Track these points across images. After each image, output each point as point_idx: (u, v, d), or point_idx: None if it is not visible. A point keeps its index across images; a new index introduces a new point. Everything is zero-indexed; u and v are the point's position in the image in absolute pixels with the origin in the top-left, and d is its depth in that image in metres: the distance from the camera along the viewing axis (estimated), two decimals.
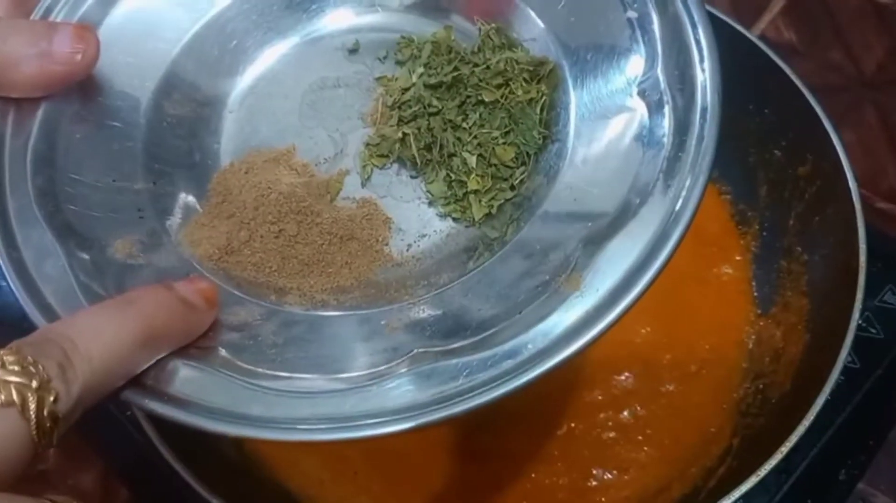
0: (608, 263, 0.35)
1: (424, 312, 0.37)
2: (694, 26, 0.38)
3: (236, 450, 0.52)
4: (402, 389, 0.34)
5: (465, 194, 0.41)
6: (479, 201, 0.40)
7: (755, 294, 0.58)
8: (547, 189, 0.39)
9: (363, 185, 0.42)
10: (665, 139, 0.37)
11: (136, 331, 0.31)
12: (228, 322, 0.37)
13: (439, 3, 0.45)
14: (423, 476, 0.52)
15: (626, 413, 0.53)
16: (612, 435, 0.52)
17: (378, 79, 0.44)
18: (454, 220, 0.41)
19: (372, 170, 0.42)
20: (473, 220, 0.40)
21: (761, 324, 0.56)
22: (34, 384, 0.28)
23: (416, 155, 0.41)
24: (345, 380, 0.35)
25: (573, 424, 0.53)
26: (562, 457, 0.52)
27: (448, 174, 0.41)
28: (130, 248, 0.38)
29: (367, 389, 0.34)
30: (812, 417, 0.43)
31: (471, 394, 0.33)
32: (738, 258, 0.59)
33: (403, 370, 0.34)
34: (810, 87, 0.55)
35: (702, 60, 0.37)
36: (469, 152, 0.41)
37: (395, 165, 0.42)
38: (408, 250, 0.40)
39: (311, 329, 0.37)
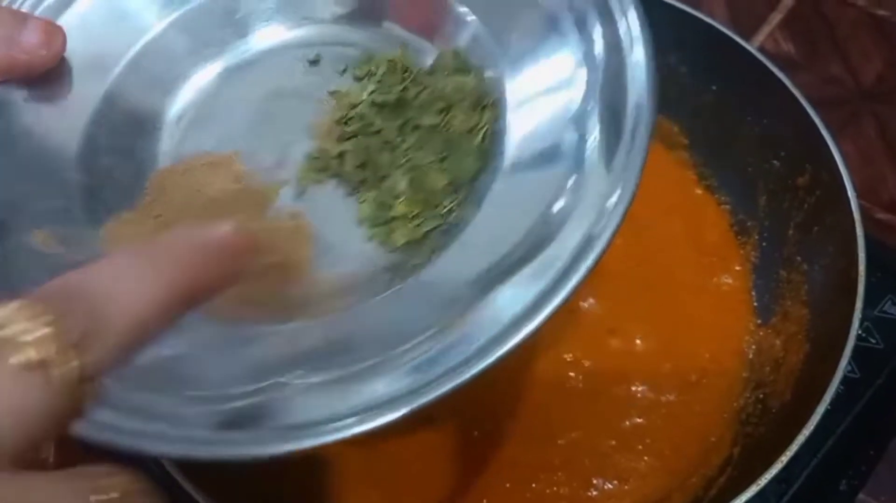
0: (501, 304, 0.33)
1: (311, 337, 0.36)
2: (632, 55, 0.37)
3: None
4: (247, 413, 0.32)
5: (393, 218, 0.39)
6: (405, 226, 0.39)
7: (755, 304, 0.57)
8: (473, 218, 0.38)
9: (297, 199, 0.41)
10: (593, 168, 0.36)
11: (170, 279, 0.28)
12: None
13: (371, 12, 0.45)
14: (423, 485, 0.52)
15: (626, 423, 0.53)
16: (612, 444, 0.52)
17: (332, 92, 0.43)
18: (380, 243, 0.39)
19: (309, 184, 0.41)
20: (396, 245, 0.39)
21: (761, 333, 0.56)
22: (56, 344, 0.24)
23: (351, 173, 0.41)
24: (195, 400, 0.33)
25: (574, 434, 0.52)
26: (562, 466, 0.51)
27: (378, 196, 0.40)
28: (49, 239, 0.38)
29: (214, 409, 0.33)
30: (812, 427, 0.43)
31: (300, 435, 0.31)
32: (737, 268, 0.59)
33: (259, 398, 0.33)
34: (809, 98, 0.55)
35: (637, 93, 0.36)
36: (401, 175, 0.40)
37: (334, 181, 0.41)
38: (327, 270, 0.39)
39: (194, 341, 0.36)
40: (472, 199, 0.39)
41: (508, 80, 0.40)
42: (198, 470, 0.45)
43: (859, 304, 0.47)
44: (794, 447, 0.42)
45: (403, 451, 0.52)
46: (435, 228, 0.39)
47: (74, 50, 0.42)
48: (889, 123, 0.74)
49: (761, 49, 0.61)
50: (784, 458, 0.42)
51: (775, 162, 0.58)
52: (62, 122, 0.41)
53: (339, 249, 0.39)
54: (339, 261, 0.39)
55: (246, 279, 0.35)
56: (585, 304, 0.57)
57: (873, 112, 0.74)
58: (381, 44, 0.44)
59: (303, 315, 0.37)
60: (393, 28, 0.45)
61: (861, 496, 0.55)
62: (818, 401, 0.44)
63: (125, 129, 0.43)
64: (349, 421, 0.31)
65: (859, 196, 0.51)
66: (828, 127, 0.53)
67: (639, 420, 0.53)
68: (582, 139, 0.37)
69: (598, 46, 0.38)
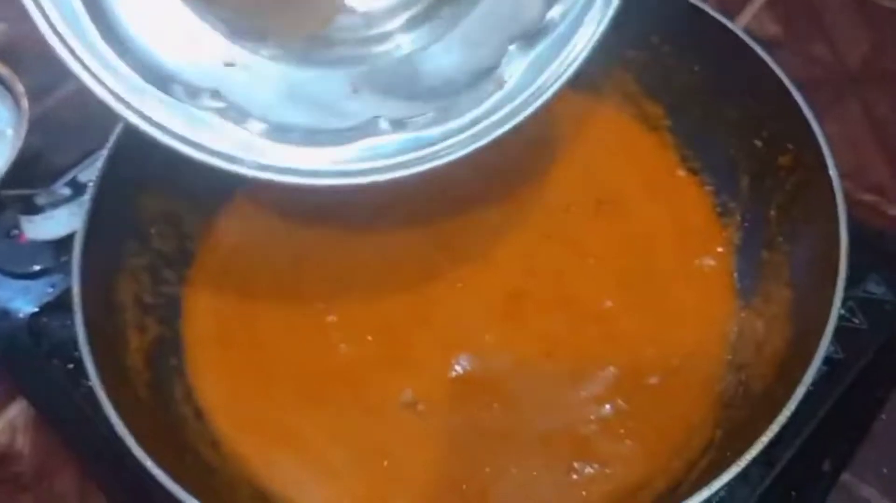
0: (530, 68, 0.42)
1: (384, 78, 0.43)
2: None
3: (213, 450, 0.52)
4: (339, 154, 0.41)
5: None
6: None
7: (737, 286, 0.57)
8: None
9: None
10: None
11: None
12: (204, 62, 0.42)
13: None
14: (408, 476, 0.51)
15: (607, 407, 0.52)
16: (593, 428, 0.51)
17: None
18: None
19: None
20: None
21: (743, 315, 0.55)
22: None
23: None
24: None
25: (554, 418, 0.52)
26: (542, 451, 0.51)
27: None
28: None
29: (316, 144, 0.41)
30: (793, 408, 0.42)
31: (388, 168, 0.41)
32: (720, 249, 0.58)
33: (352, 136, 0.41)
34: (791, 77, 0.54)
35: None
36: None
37: None
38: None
39: (270, 81, 0.42)
40: None
41: None
42: (176, 469, 0.44)
43: (841, 285, 0.46)
44: (775, 428, 0.42)
45: (384, 438, 0.52)
46: None
47: None
48: (874, 105, 0.73)
49: (746, 30, 0.61)
50: (765, 439, 0.41)
51: (757, 142, 0.57)
52: None
53: None
54: None
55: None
56: (567, 288, 0.56)
57: (858, 94, 0.74)
58: None
59: (363, 59, 0.45)
60: None
61: (845, 476, 0.54)
62: (799, 382, 0.43)
63: None
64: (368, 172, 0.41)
65: (844, 178, 0.51)
66: (810, 105, 0.52)
67: (621, 404, 0.52)
68: None
69: None
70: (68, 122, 0.77)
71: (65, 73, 0.39)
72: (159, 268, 0.57)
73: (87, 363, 0.46)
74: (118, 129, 0.53)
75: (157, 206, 0.57)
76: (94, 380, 0.45)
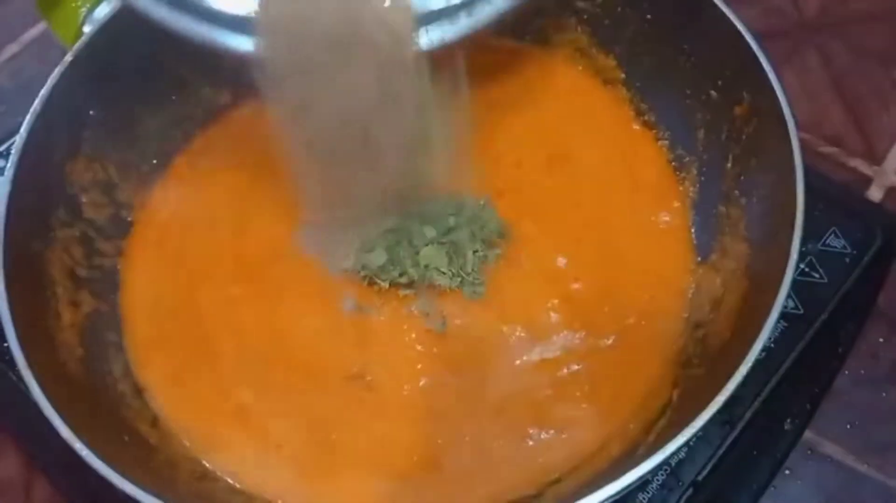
0: None
1: None
2: None
3: (152, 428, 0.50)
4: None
5: None
6: None
7: (694, 241, 0.55)
8: None
9: None
10: None
11: None
12: None
13: None
14: (356, 449, 0.50)
15: (563, 370, 0.51)
16: (549, 393, 0.50)
17: None
18: None
19: None
20: None
21: (701, 271, 0.54)
22: None
23: None
24: None
25: (508, 384, 0.50)
26: (498, 419, 0.49)
27: None
28: None
29: None
30: (749, 364, 0.41)
31: None
32: (676, 204, 0.57)
33: None
34: (746, 25, 0.53)
35: None
36: None
37: None
38: None
39: None
40: None
41: None
42: (114, 451, 0.42)
43: (797, 237, 0.45)
44: (731, 386, 0.40)
45: (330, 411, 0.50)
46: None
47: None
48: (833, 56, 0.72)
49: None
50: (721, 398, 0.40)
51: (713, 92, 0.55)
52: None
53: None
54: None
55: None
56: (519, 247, 0.55)
57: (816, 44, 0.73)
58: None
59: None
60: None
61: (808, 434, 0.54)
62: (756, 338, 0.41)
63: None
64: None
65: (802, 130, 0.49)
66: (765, 52, 0.51)
67: (576, 366, 0.51)
68: None
69: None
70: (4, 91, 0.74)
71: None
72: (93, 239, 0.54)
73: (11, 341, 0.44)
74: (44, 92, 0.50)
75: (89, 174, 0.54)
76: (19, 358, 0.44)
